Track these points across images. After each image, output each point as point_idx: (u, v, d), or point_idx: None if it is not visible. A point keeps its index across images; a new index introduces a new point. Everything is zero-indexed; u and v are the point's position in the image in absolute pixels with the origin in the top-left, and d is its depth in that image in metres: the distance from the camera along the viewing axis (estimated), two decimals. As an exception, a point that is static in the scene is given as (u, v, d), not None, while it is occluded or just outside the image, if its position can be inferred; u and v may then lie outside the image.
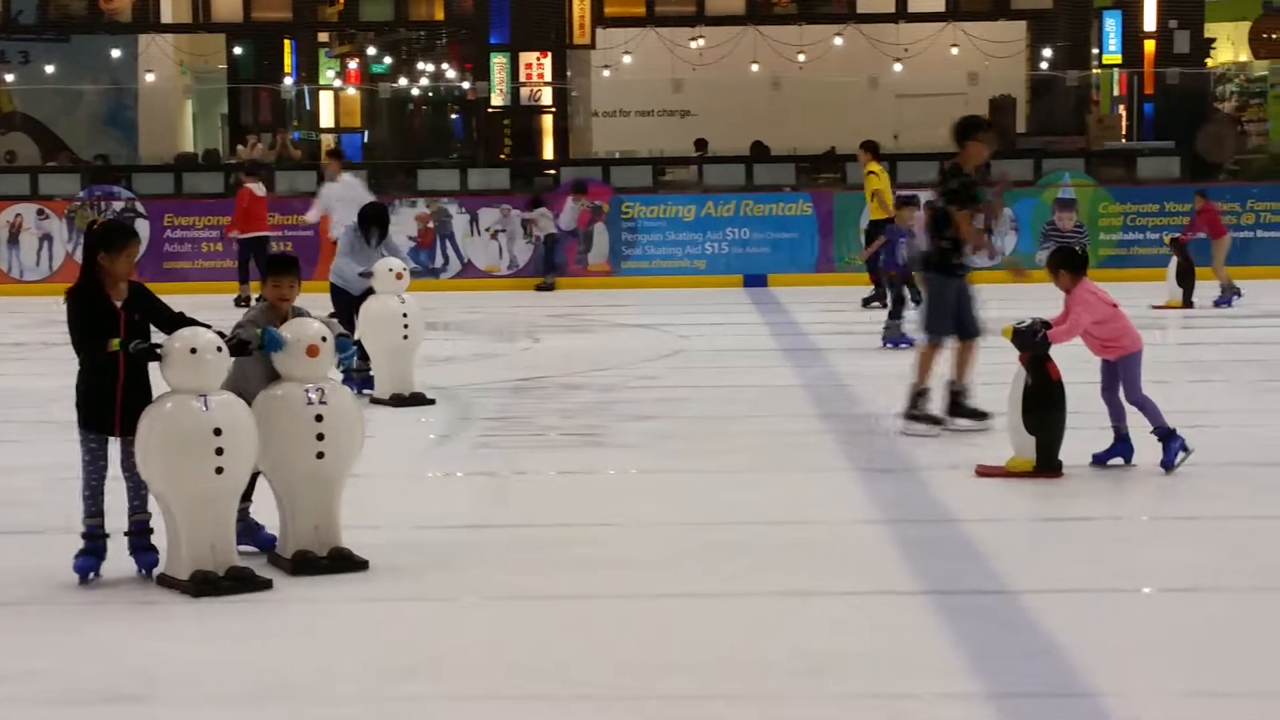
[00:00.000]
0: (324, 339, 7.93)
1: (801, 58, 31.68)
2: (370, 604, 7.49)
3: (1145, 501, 9.65)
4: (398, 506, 9.60)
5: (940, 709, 5.97)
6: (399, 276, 13.28)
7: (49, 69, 33.26)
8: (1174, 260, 20.54)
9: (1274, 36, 29.82)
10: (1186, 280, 20.30)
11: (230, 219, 23.52)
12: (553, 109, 27.69)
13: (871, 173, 21.93)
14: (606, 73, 32.77)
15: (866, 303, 20.29)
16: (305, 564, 7.81)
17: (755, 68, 31.53)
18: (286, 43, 36.37)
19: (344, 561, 7.89)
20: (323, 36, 37.91)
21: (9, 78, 33.76)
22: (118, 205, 24.99)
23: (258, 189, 23.08)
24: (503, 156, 27.73)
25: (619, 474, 10.67)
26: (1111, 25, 28.96)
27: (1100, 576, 7.82)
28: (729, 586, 7.73)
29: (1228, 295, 20.37)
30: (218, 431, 7.45)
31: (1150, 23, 28.06)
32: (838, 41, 31.28)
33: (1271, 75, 30.41)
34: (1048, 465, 9.77)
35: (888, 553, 8.31)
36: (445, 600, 7.54)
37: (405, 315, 13.21)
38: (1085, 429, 10.22)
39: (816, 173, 26.80)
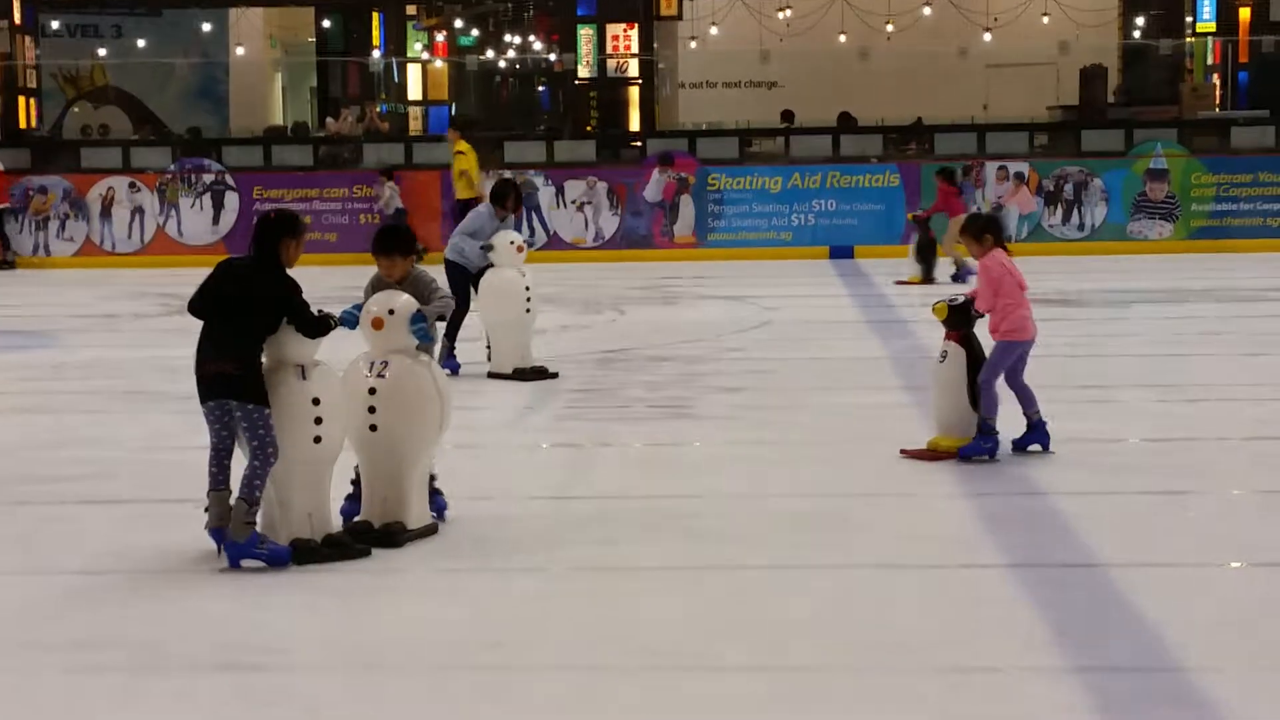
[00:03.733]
0: (391, 311, 7.97)
1: (890, 27, 31.54)
2: (457, 574, 7.54)
3: (1232, 475, 9.54)
4: (485, 477, 9.66)
5: (1025, 682, 5.95)
6: (519, 249, 13.28)
7: (141, 43, 33.62)
8: (915, 237, 20.69)
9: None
10: (927, 256, 20.40)
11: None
12: (639, 81, 27.73)
13: (460, 152, 21.90)
14: (693, 44, 32.74)
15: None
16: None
17: (843, 38, 31.42)
18: (375, 16, 36.58)
19: (385, 538, 7.89)
20: (410, 9, 38.07)
21: (102, 51, 34.14)
22: (208, 178, 25.23)
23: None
24: (589, 128, 27.76)
25: (705, 446, 10.68)
26: (1205, -8, 28.62)
27: (1189, 550, 7.76)
28: (815, 559, 7.73)
29: (962, 271, 20.16)
30: (315, 402, 7.53)
31: (1245, -10, 27.70)
32: (926, 11, 31.10)
33: (1369, 42, 29.91)
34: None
35: (973, 526, 8.28)
36: (531, 570, 7.58)
37: (528, 289, 13.15)
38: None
39: (904, 144, 26.67)
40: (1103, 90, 29.85)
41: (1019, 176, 24.98)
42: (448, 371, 13.37)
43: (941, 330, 9.84)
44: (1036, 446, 9.78)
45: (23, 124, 33.36)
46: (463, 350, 13.67)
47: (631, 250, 24.78)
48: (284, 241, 7.72)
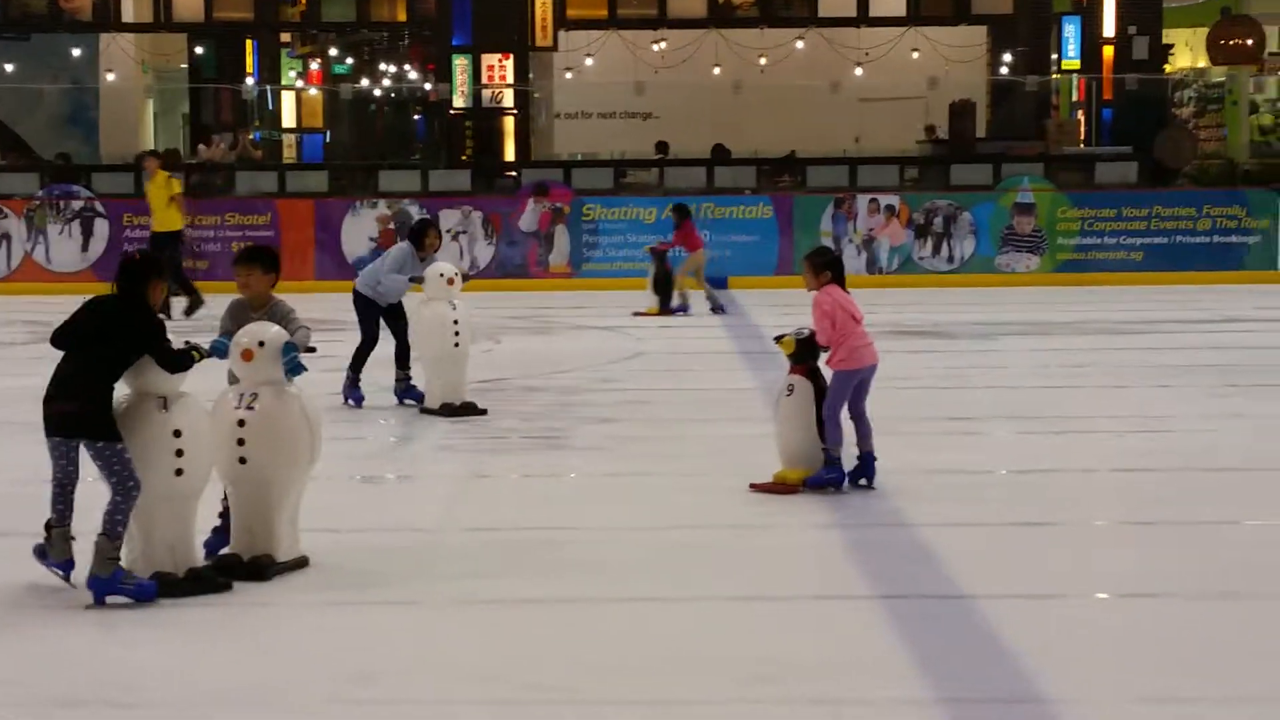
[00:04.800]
0: (261, 344, 7.95)
1: (763, 61, 31.77)
2: (330, 608, 7.50)
3: (1096, 506, 9.73)
4: (356, 509, 9.62)
5: (893, 715, 6.02)
6: (450, 282, 12.95)
7: (9, 67, 33.11)
8: (652, 268, 21.29)
9: (1231, 43, 30.00)
10: (664, 288, 21.04)
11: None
12: (515, 111, 27.66)
13: (172, 178, 21.78)
14: (569, 75, 32.80)
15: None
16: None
17: (717, 70, 31.61)
18: (249, 42, 36.30)
19: (252, 570, 7.85)
20: (285, 37, 37.86)
21: (-31, 76, 33.58)
22: (77, 204, 24.91)
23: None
24: (464, 158, 27.72)
25: (580, 477, 10.71)
26: (1071, 31, 29.12)
27: (1054, 581, 7.89)
28: (686, 590, 7.78)
29: (683, 305, 21.05)
30: (177, 433, 7.47)
31: (1110, 28, 28.20)
32: (799, 45, 31.38)
33: (1229, 81, 30.58)
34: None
35: (840, 557, 8.38)
36: (405, 604, 7.57)
37: (456, 322, 12.83)
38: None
39: (777, 176, 26.90)
40: (972, 125, 30.26)
41: (889, 209, 25.29)
42: (352, 403, 13.34)
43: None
44: (863, 480, 9.84)
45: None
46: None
47: (507, 280, 24.78)
48: (151, 283, 7.69)
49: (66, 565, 7.62)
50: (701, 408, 13.38)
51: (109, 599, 7.40)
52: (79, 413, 7.42)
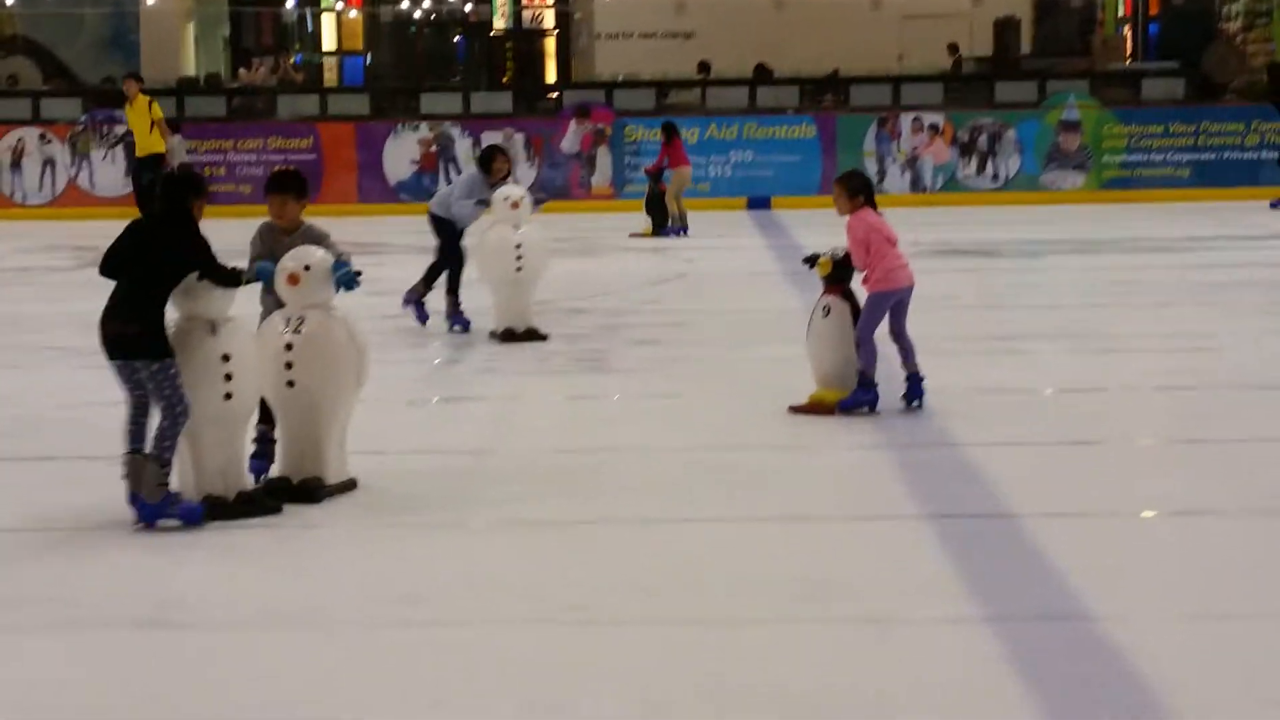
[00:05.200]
0: (307, 267, 7.94)
1: (806, -22, 31.54)
2: (377, 530, 7.55)
3: (1142, 425, 9.69)
4: (402, 432, 9.66)
5: (938, 633, 6.03)
6: (514, 205, 12.72)
7: (50, -9, 33.13)
8: (646, 190, 21.44)
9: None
10: (656, 208, 21.08)
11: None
12: (555, 32, 27.58)
13: (152, 102, 21.47)
14: (609, -6, 32.63)
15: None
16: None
17: (759, -12, 31.41)
18: (288, -36, 36.20)
19: (303, 493, 7.89)
20: (325, -42, 37.73)
21: (9, 1, 33.62)
22: (120, 129, 24.94)
23: None
24: (505, 80, 27.64)
25: (623, 399, 10.72)
26: (1117, -56, 28.83)
27: (1100, 500, 7.88)
28: (730, 511, 7.80)
29: (678, 226, 20.99)
30: (226, 358, 7.51)
31: (1157, -58, 27.90)
32: (842, -38, 31.13)
33: (1278, -5, 30.21)
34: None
35: (888, 477, 8.37)
36: (450, 526, 7.60)
37: (519, 246, 12.61)
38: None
39: (820, 95, 26.73)
40: (1016, 42, 30.01)
41: (933, 128, 25.11)
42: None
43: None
44: (915, 403, 9.79)
45: (-73, 75, 32.80)
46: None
47: (549, 202, 24.70)
48: (192, 198, 7.68)
49: (136, 499, 7.51)
50: (745, 329, 13.36)
51: (159, 522, 7.46)
52: (134, 334, 7.42)
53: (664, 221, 20.99)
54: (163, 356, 7.40)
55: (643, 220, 21.23)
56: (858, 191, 9.80)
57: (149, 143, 21.14)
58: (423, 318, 13.30)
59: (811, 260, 9.84)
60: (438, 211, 13.41)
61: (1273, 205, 22.65)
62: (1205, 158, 24.38)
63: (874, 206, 9.80)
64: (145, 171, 20.99)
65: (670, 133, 21.46)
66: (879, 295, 9.68)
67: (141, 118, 21.16)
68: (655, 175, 21.23)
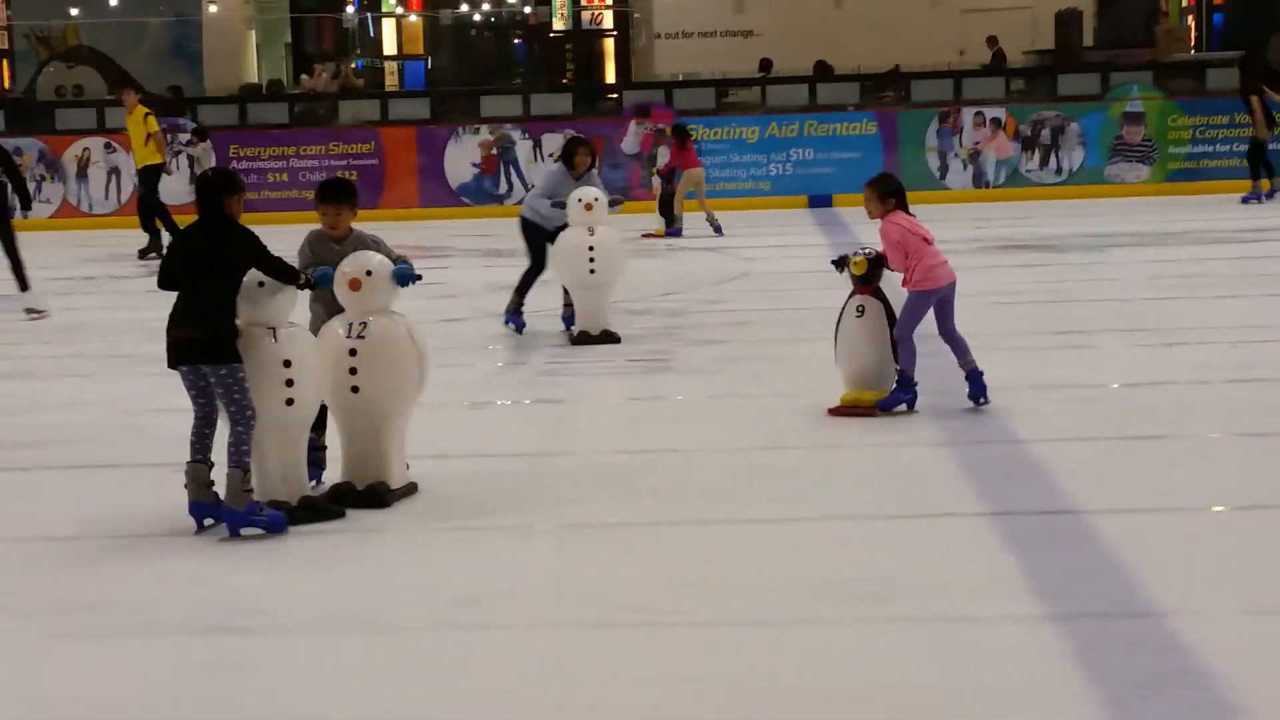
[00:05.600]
0: (369, 272, 7.95)
1: (865, -26, 31.44)
2: (438, 533, 7.56)
3: (1211, 419, 9.58)
4: (464, 436, 9.66)
5: (1004, 631, 5.97)
6: (588, 207, 12.50)
7: (113, 2, 33.41)
8: (659, 191, 21.82)
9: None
10: (667, 209, 21.41)
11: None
12: (614, 32, 27.57)
13: (147, 114, 21.16)
14: (668, -6, 32.62)
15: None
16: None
17: (818, -15, 31.33)
18: (349, -30, 36.38)
19: (372, 497, 7.92)
20: (384, -36, 37.88)
21: (74, 11, 33.93)
22: (184, 137, 25.12)
23: None
24: (565, 81, 27.66)
25: (685, 399, 10.69)
26: (1179, -66, 28.59)
27: (1167, 495, 7.79)
28: (793, 511, 7.75)
29: (677, 227, 21.32)
30: (287, 363, 7.53)
31: (1220, -69, 27.65)
32: (901, -43, 31.02)
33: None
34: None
35: (952, 475, 8.31)
36: (510, 529, 7.60)
37: (591, 249, 12.46)
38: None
39: (880, 91, 26.63)
40: (1078, 34, 29.79)
41: (995, 122, 24.96)
42: (513, 327, 13.29)
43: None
44: (982, 400, 9.72)
45: (-5, 86, 33.17)
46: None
47: (625, 203, 24.73)
48: (226, 199, 7.67)
49: (197, 509, 7.56)
50: (807, 327, 13.26)
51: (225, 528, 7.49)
52: (203, 338, 7.43)
53: (672, 221, 21.31)
54: (230, 361, 7.42)
55: (656, 220, 21.55)
56: (890, 194, 9.79)
57: (144, 155, 20.93)
58: (519, 325, 13.17)
59: (840, 262, 9.79)
60: (527, 215, 13.32)
61: (1244, 200, 22.49)
62: (1271, 148, 24.09)
63: (906, 208, 9.78)
64: (141, 185, 20.87)
65: (681, 135, 21.61)
66: (921, 294, 9.64)
67: (138, 129, 20.99)
68: (666, 176, 21.63)
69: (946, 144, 24.94)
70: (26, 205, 15.84)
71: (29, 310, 15.29)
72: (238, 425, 7.43)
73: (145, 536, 7.58)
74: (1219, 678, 5.43)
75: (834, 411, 9.71)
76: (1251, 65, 23.68)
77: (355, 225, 8.39)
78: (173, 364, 7.57)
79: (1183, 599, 6.22)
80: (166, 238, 19.18)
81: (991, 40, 29.15)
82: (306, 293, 7.97)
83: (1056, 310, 13.87)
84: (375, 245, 8.24)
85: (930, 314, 9.71)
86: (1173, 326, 12.73)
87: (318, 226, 8.39)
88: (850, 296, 9.78)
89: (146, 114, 21.04)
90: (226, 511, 7.47)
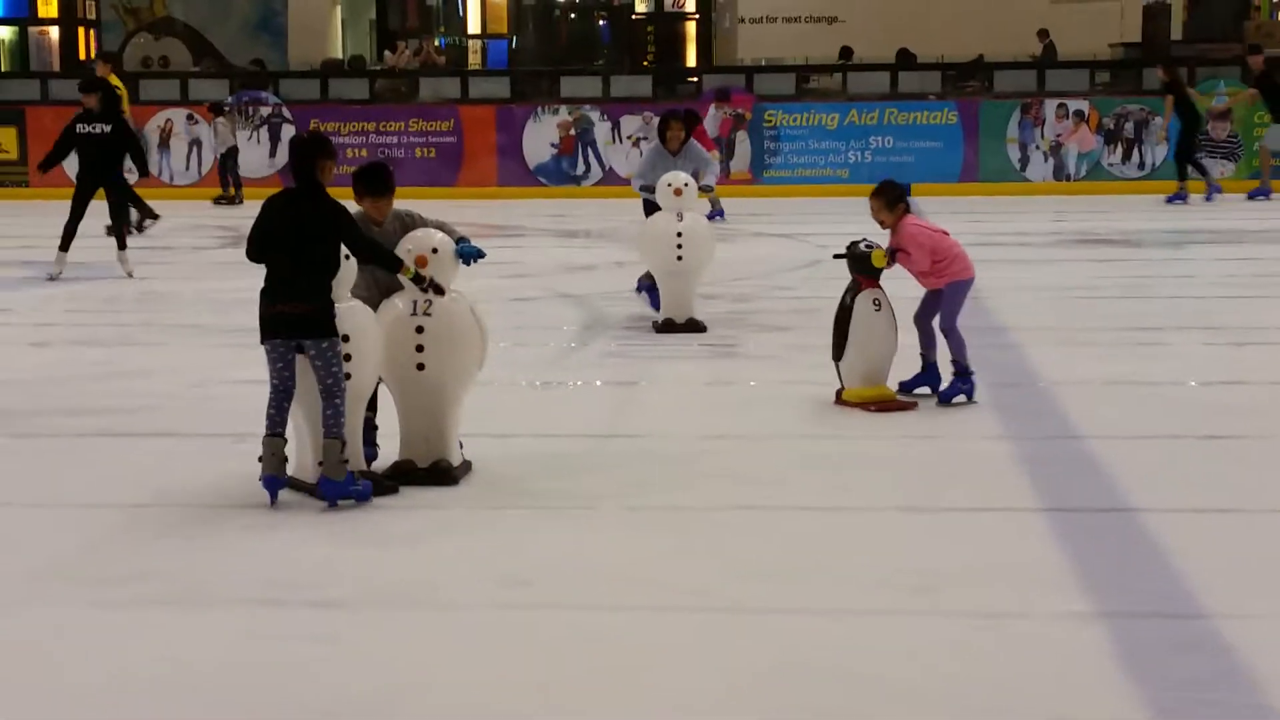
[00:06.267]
0: (434, 250, 7.97)
1: (951, -38, 31.23)
2: (491, 512, 7.58)
3: (1271, 422, 9.49)
4: (527, 415, 9.70)
5: (1053, 627, 5.95)
6: (677, 192, 12.11)
7: (202, -26, 33.69)
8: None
9: None
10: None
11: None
12: (696, 15, 27.53)
13: (115, 87, 20.89)
14: (752, -23, 32.54)
15: None
16: (399, 474, 7.92)
17: (904, -28, 31.16)
18: (435, -52, 36.50)
19: (438, 475, 7.96)
20: (471, -59, 37.98)
21: (162, -17, 34.22)
22: (265, 110, 25.31)
23: None
24: (646, 63, 27.65)
25: (750, 385, 10.69)
26: (1273, -72, 28.21)
27: (1229, 496, 7.72)
28: (849, 500, 7.75)
29: (720, 209, 21.20)
30: (345, 338, 7.58)
31: (1313, -74, 27.26)
32: (988, -54, 30.80)
33: None
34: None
35: (1009, 469, 8.27)
36: (567, 509, 7.61)
37: (679, 235, 12.11)
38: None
39: (963, 81, 26.47)
40: (1167, 27, 29.49)
41: (1078, 114, 24.77)
42: (644, 294, 13.07)
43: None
44: (925, 389, 9.84)
45: (82, 55, 33.52)
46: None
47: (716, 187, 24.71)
48: (321, 162, 7.69)
49: (272, 482, 7.58)
50: (877, 316, 13.23)
51: (282, 497, 7.56)
52: (308, 313, 7.46)
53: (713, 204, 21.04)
54: (331, 335, 7.47)
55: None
56: (898, 200, 9.82)
57: None
58: (655, 304, 12.88)
59: (852, 254, 9.71)
60: (643, 195, 13.13)
61: (1168, 200, 22.24)
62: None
63: (909, 210, 9.87)
64: None
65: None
66: (960, 284, 9.79)
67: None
68: None
69: (1028, 135, 24.78)
70: (144, 173, 17.07)
71: (51, 275, 15.75)
72: (335, 398, 7.47)
73: (212, 507, 7.65)
74: (1265, 682, 5.39)
75: (873, 409, 9.61)
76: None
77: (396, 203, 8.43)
78: (270, 337, 7.56)
79: (1230, 601, 6.17)
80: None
81: (1043, 33, 28.83)
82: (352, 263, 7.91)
83: (1131, 306, 13.76)
84: (423, 222, 8.22)
85: (929, 305, 9.87)
86: (1248, 326, 12.60)
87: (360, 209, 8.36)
88: (858, 291, 9.70)
89: (116, 87, 21.19)
90: (324, 482, 7.52)
